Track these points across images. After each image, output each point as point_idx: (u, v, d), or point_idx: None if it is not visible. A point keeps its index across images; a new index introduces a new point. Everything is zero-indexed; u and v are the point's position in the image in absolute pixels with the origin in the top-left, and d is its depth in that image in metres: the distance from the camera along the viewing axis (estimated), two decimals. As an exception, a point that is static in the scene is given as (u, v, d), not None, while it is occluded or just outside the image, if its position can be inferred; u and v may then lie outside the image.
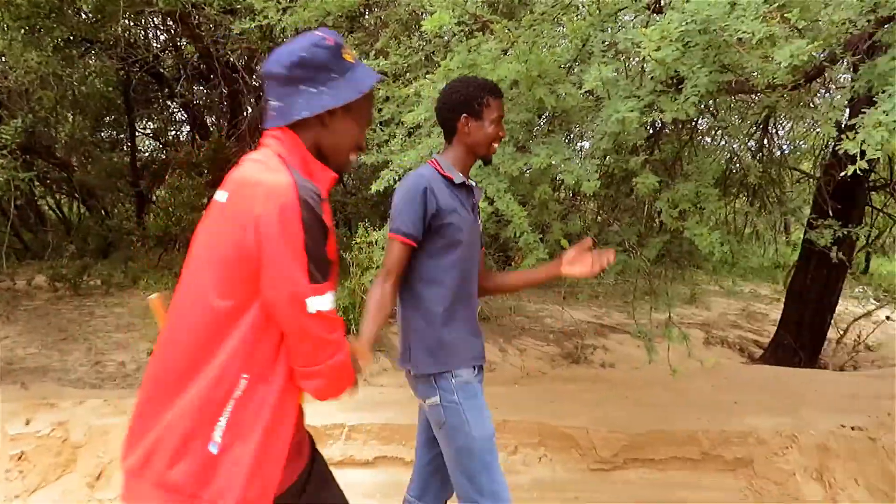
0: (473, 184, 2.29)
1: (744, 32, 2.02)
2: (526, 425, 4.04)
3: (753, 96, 4.74)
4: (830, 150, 5.85)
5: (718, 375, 5.81)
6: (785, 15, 1.90)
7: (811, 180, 5.89)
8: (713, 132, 4.31)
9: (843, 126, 2.62)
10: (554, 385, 5.33)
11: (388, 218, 2.16)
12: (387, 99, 3.53)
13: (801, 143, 7.34)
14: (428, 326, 2.12)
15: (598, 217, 4.17)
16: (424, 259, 2.12)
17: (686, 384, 5.35)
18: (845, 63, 3.25)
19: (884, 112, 1.78)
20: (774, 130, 5.84)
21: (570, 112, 3.04)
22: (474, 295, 2.26)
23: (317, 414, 4.06)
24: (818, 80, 3.89)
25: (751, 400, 4.83)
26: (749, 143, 4.83)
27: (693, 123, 4.34)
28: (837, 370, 6.90)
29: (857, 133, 1.79)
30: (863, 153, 1.76)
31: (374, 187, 3.40)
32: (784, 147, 6.96)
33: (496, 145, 2.23)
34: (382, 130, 3.86)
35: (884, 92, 1.88)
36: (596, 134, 3.06)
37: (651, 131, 4.09)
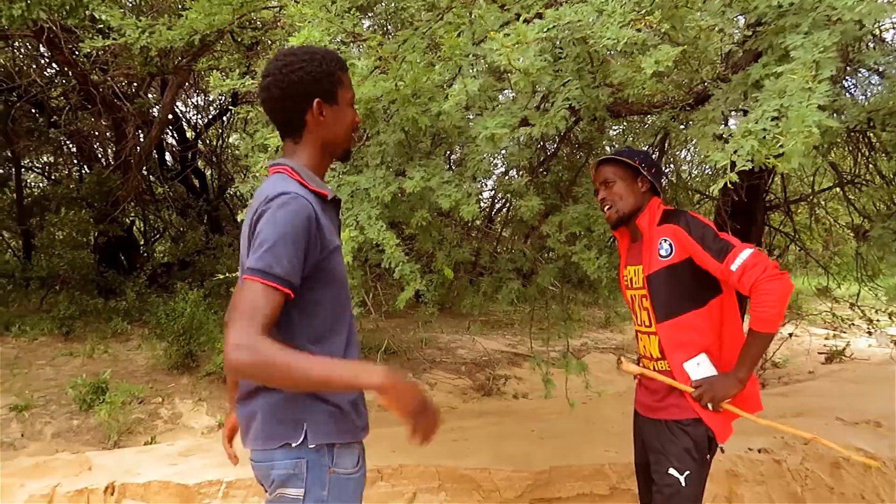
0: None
1: (609, 39, 1.85)
2: (423, 469, 3.75)
3: (648, 118, 4.69)
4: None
5: (628, 401, 5.69)
6: (647, 18, 1.74)
7: (711, 201, 5.92)
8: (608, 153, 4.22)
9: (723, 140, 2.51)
10: (461, 421, 5.07)
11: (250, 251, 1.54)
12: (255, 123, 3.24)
13: (704, 165, 7.46)
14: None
15: (496, 244, 3.99)
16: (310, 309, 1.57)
17: (596, 412, 5.20)
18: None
19: (754, 121, 1.63)
20: (673, 152, 5.86)
21: (448, 132, 2.84)
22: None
23: (188, 472, 3.67)
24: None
25: (660, 426, 4.72)
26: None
27: (589, 146, 4.23)
28: (746, 389, 6.94)
29: (726, 144, 1.63)
30: (734, 164, 1.59)
31: (242, 216, 3.09)
32: (686, 168, 7.03)
33: (356, 136, 1.77)
34: (260, 156, 3.57)
35: (755, 101, 1.74)
36: (474, 155, 2.86)
37: (545, 153, 3.95)
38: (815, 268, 7.46)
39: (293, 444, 1.54)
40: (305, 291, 1.52)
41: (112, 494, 3.55)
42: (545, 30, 1.89)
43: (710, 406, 2.06)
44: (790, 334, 8.37)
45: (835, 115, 2.81)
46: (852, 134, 3.85)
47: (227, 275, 3.47)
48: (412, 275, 2.67)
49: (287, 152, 1.66)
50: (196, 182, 10.03)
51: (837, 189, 5.53)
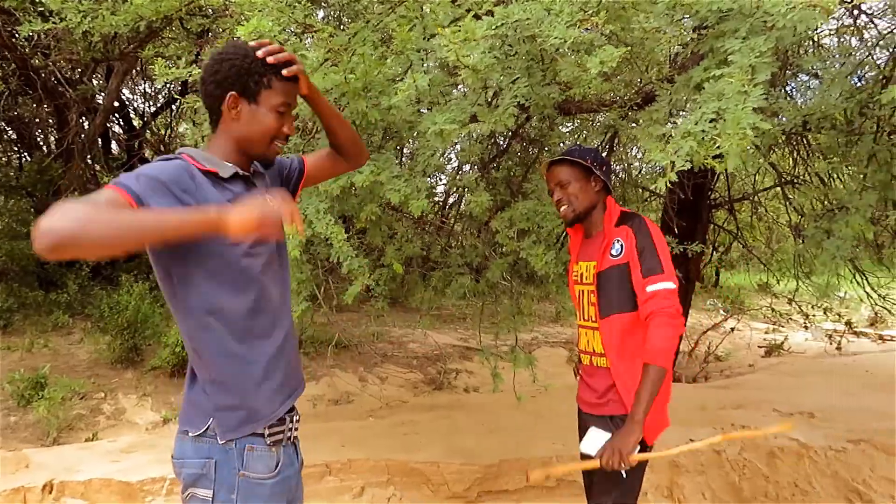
0: (260, 169, 1.72)
1: (556, 38, 1.88)
2: (373, 463, 3.75)
3: (598, 116, 4.77)
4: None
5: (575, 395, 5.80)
6: (592, 19, 1.77)
7: (659, 199, 6.06)
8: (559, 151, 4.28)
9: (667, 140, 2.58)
10: (412, 415, 5.08)
11: None
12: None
13: (651, 163, 7.64)
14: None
15: (448, 239, 4.00)
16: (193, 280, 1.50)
17: (545, 405, 5.28)
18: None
19: (693, 122, 1.68)
20: (623, 150, 5.97)
21: (398, 127, 2.83)
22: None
23: (131, 469, 3.59)
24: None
25: (606, 419, 4.82)
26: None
27: (540, 142, 4.28)
28: (690, 382, 7.14)
29: (667, 144, 1.68)
30: (674, 164, 1.64)
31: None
32: (636, 165, 7.16)
33: (279, 144, 1.65)
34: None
35: (695, 102, 1.79)
36: (425, 150, 2.87)
37: (496, 149, 3.98)
38: (757, 264, 7.72)
39: (192, 433, 1.53)
40: (183, 262, 1.47)
41: (51, 493, 3.45)
42: (494, 27, 1.91)
43: (622, 465, 1.99)
44: (732, 328, 8.65)
45: (774, 117, 2.91)
46: (791, 136, 3.99)
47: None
48: (361, 269, 2.66)
49: (207, 141, 1.65)
50: (143, 172, 9.77)
51: (778, 189, 5.73)
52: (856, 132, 2.46)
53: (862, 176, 2.43)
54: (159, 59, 3.06)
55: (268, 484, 1.56)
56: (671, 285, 2.08)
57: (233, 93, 1.56)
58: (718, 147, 1.60)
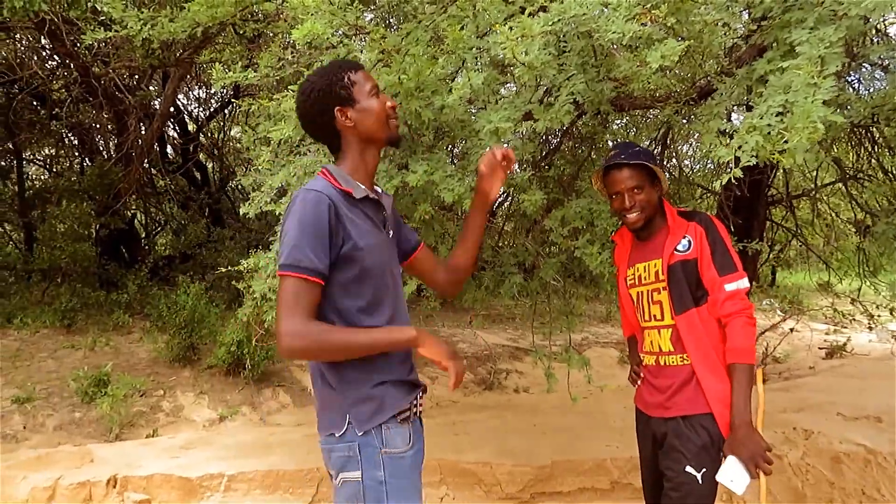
0: (380, 191, 1.89)
1: (614, 33, 1.85)
2: (425, 463, 3.75)
3: (651, 112, 4.68)
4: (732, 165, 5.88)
5: (630, 395, 5.70)
6: (653, 12, 1.73)
7: (713, 196, 5.92)
8: (608, 149, 4.22)
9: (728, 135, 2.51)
10: (463, 415, 5.08)
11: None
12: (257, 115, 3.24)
13: (707, 160, 7.45)
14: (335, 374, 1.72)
15: (498, 238, 3.98)
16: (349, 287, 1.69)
17: (597, 406, 5.21)
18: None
19: (759, 116, 1.62)
20: (675, 146, 5.84)
21: (451, 126, 2.82)
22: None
23: (190, 465, 3.68)
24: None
25: (661, 421, 4.73)
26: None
27: (592, 140, 4.22)
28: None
29: (731, 139, 1.63)
30: (738, 160, 1.59)
31: (243, 209, 3.10)
32: (688, 163, 7.02)
33: (395, 121, 1.85)
34: (263, 149, 3.57)
35: (760, 96, 1.73)
36: (478, 149, 2.85)
37: (548, 147, 3.94)
38: (817, 263, 7.46)
39: (337, 434, 1.68)
40: (337, 273, 1.66)
41: (114, 487, 3.56)
42: (550, 23, 1.88)
43: (770, 465, 1.94)
44: (791, 329, 8.37)
45: (839, 110, 2.80)
46: (856, 129, 3.84)
47: (229, 268, 3.47)
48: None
49: (338, 160, 1.83)
50: (198, 175, 10.02)
51: (840, 184, 5.52)
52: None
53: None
54: (216, 64, 3.14)
55: (407, 456, 1.70)
56: (746, 284, 2.09)
57: (337, 107, 1.75)
58: (785, 142, 1.54)
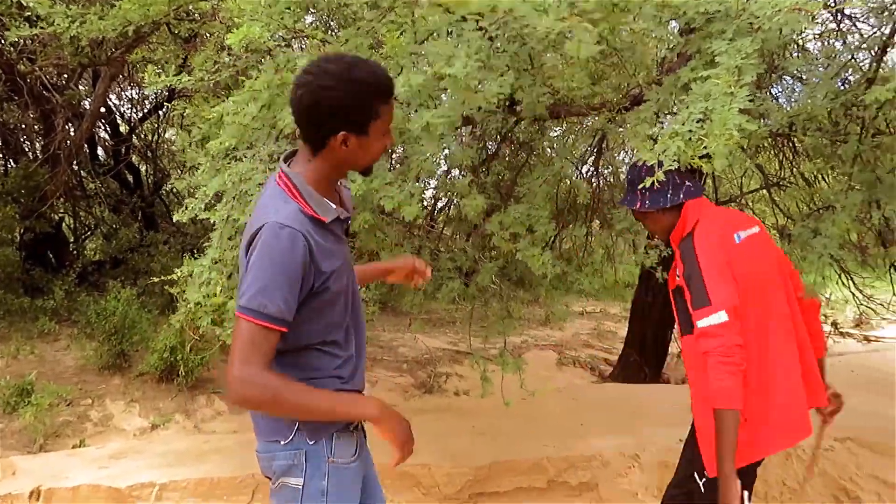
0: (340, 185, 1.76)
1: (544, 27, 1.89)
2: (364, 467, 3.75)
3: (587, 120, 4.80)
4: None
5: (567, 397, 5.82)
6: (583, 6, 1.77)
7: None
8: (549, 154, 4.32)
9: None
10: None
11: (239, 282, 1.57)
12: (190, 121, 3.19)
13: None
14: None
15: (437, 243, 4.02)
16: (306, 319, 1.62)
17: (534, 408, 5.29)
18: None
19: (681, 123, 1.70)
20: (611, 154, 6.00)
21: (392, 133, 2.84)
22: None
23: (120, 475, 3.57)
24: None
25: (597, 420, 4.84)
26: (586, 167, 4.92)
27: (530, 146, 4.30)
28: (679, 383, 7.18)
29: (655, 144, 1.70)
30: (661, 164, 1.66)
31: (177, 216, 3.04)
32: (623, 169, 7.19)
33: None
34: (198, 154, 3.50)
35: (683, 103, 1.81)
36: (417, 155, 2.88)
37: (485, 154, 3.99)
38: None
39: (283, 441, 1.64)
40: (301, 306, 1.56)
41: (38, 500, 3.42)
42: (478, 26, 1.92)
43: None
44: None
45: (760, 119, 2.95)
46: (777, 138, 4.04)
47: (161, 276, 3.38)
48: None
49: (300, 158, 1.65)
50: (130, 178, 9.71)
51: (764, 191, 5.78)
52: (841, 133, 2.49)
53: (847, 176, 2.46)
54: (149, 65, 3.07)
55: (352, 468, 1.72)
56: (720, 318, 1.93)
57: (344, 132, 1.54)
58: (705, 147, 1.62)
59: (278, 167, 1.65)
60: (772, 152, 5.25)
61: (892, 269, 4.69)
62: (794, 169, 4.78)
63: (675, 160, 1.66)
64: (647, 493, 3.97)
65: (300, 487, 1.63)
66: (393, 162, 3.37)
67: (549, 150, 3.73)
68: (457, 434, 4.54)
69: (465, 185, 2.75)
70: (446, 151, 3.11)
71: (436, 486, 3.73)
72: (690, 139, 1.67)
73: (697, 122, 1.67)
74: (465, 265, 3.50)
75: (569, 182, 4.31)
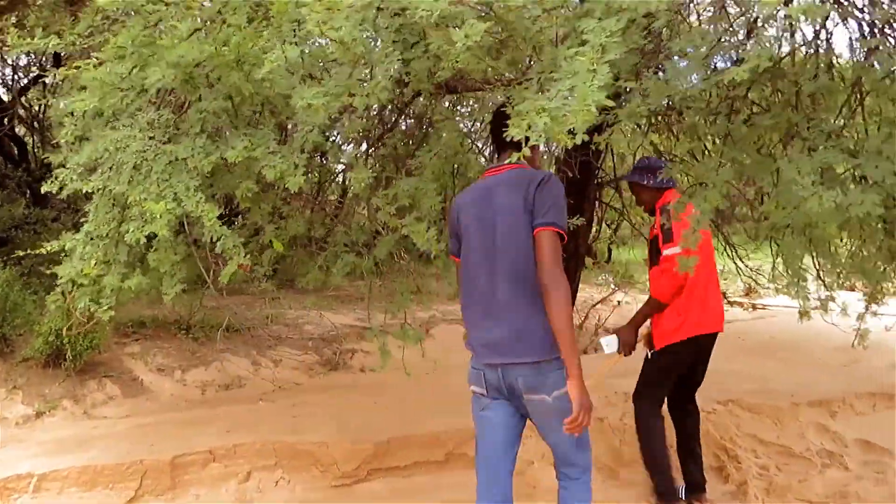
0: None
1: (424, 10, 1.88)
2: (259, 447, 3.69)
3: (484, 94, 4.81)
4: (562, 148, 6.20)
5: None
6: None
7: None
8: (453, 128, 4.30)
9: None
10: (305, 397, 5.03)
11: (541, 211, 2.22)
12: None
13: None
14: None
15: (333, 217, 3.95)
16: None
17: (439, 381, 5.35)
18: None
19: (548, 99, 1.72)
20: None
21: (274, 101, 2.76)
22: None
23: (-5, 465, 3.37)
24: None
25: (497, 392, 4.93)
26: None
27: (430, 120, 4.28)
28: (581, 354, 7.42)
29: (523, 119, 1.71)
30: (528, 139, 1.68)
31: (45, 187, 2.85)
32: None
33: None
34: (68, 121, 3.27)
35: (553, 80, 1.83)
36: (305, 126, 2.80)
37: (383, 127, 3.94)
38: (642, 240, 8.05)
39: (553, 358, 2.18)
40: None
41: None
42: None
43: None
44: (619, 302, 9.04)
45: (641, 97, 3.02)
46: (667, 116, 4.18)
47: (49, 250, 3.17)
48: (236, 248, 2.58)
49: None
50: (15, 150, 9.07)
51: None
52: (713, 112, 2.60)
53: (719, 154, 2.57)
54: (12, 28, 2.83)
55: None
56: (676, 251, 3.08)
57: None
58: (570, 122, 1.65)
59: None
60: (665, 133, 5.44)
61: (771, 242, 4.97)
62: (680, 147, 4.95)
63: (541, 136, 1.68)
64: (543, 461, 4.08)
65: (567, 393, 2.10)
66: (286, 133, 3.27)
67: (441, 123, 3.72)
68: (359, 410, 4.54)
69: (352, 157, 2.70)
70: (338, 123, 3.05)
71: (334, 463, 3.72)
72: (558, 116, 1.69)
73: (565, 98, 1.70)
74: (362, 239, 3.46)
75: (469, 159, 4.32)
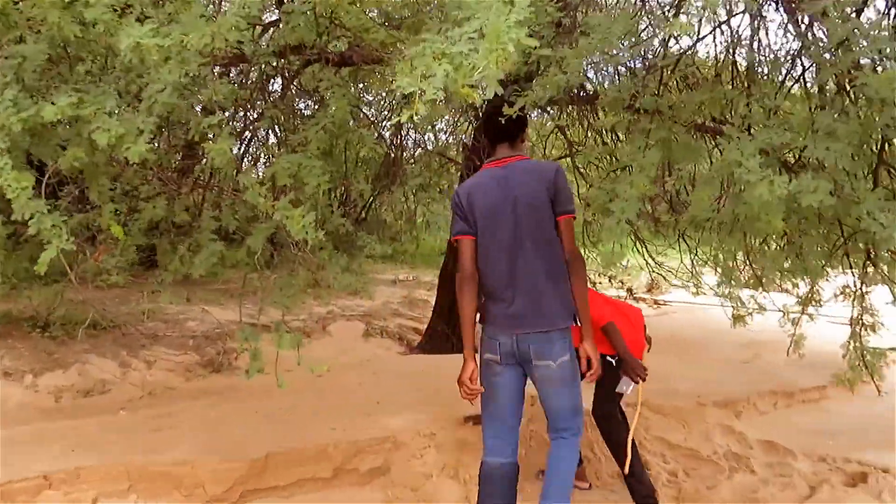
0: None
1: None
2: (107, 469, 3.11)
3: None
4: (472, 135, 5.86)
5: (368, 370, 5.47)
6: None
7: (454, 165, 5.86)
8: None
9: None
10: (175, 405, 4.43)
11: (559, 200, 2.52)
12: None
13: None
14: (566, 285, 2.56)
15: (202, 201, 3.41)
16: None
17: (330, 385, 4.88)
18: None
19: (451, 42, 1.31)
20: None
21: (102, 48, 2.22)
22: None
23: None
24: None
25: (396, 397, 4.53)
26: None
27: (318, 92, 3.80)
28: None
29: (414, 68, 1.29)
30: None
31: None
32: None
33: None
34: None
35: (455, 22, 1.42)
36: (156, 84, 2.27)
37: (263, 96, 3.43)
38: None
39: (566, 326, 2.55)
40: None
41: None
42: None
43: None
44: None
45: (563, 75, 2.68)
46: (578, 100, 3.89)
47: None
48: (56, 231, 2.03)
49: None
50: None
51: (568, 158, 5.76)
52: (640, 86, 2.28)
53: (646, 134, 2.26)
54: None
55: None
56: None
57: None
58: (479, 71, 1.25)
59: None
60: (576, 119, 5.19)
61: (681, 238, 4.83)
62: (594, 132, 4.72)
63: (439, 88, 1.27)
64: (442, 474, 3.71)
65: (571, 359, 2.53)
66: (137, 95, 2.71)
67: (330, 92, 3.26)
68: (237, 420, 4.01)
69: (213, 124, 2.20)
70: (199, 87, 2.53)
71: (199, 485, 3.19)
72: (462, 63, 1.28)
73: (469, 40, 1.29)
74: (233, 225, 2.95)
75: (363, 135, 3.89)
